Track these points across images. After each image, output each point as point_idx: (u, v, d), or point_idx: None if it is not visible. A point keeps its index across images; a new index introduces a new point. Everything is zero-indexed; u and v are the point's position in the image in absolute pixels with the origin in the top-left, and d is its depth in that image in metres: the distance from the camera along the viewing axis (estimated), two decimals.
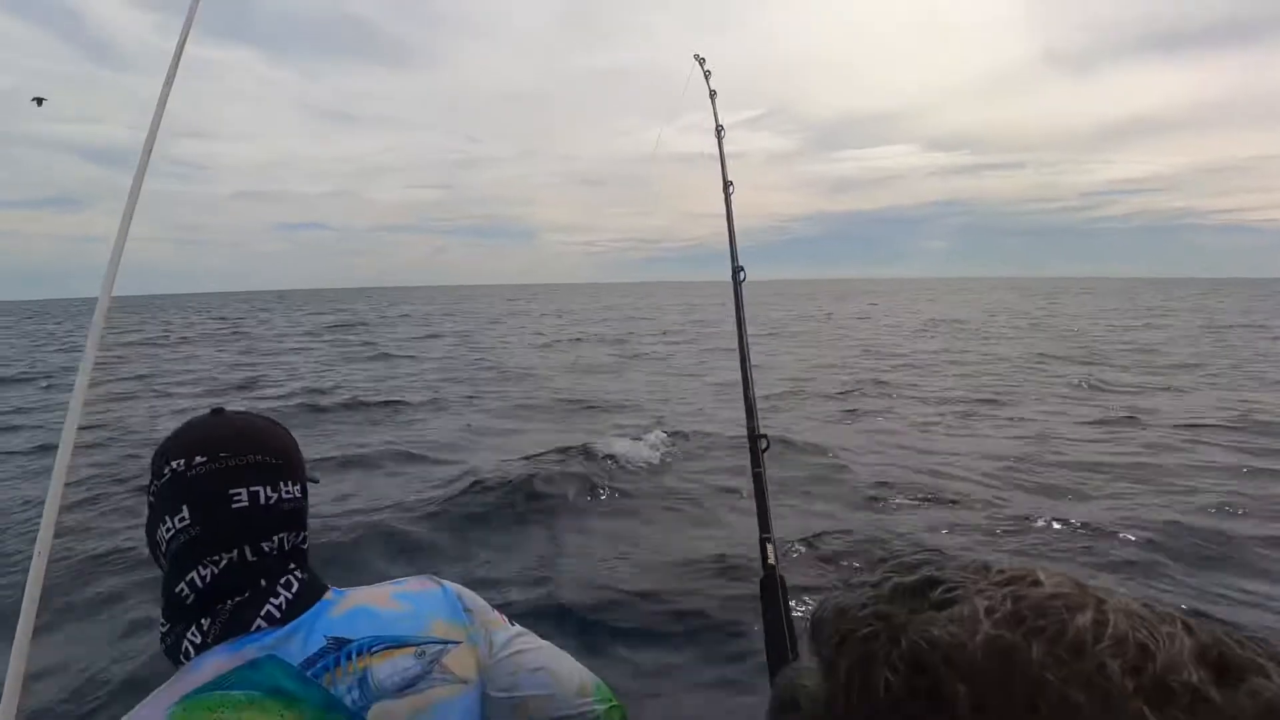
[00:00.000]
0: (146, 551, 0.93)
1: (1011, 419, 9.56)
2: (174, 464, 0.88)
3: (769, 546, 1.43)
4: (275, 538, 0.90)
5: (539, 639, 1.05)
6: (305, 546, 0.95)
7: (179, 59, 1.29)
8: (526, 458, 7.19)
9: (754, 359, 1.82)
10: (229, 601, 0.85)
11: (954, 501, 5.93)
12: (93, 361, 1.12)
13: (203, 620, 0.84)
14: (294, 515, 0.92)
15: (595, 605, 4.27)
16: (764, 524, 1.46)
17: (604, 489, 6.43)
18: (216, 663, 0.82)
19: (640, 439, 7.69)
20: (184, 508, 0.86)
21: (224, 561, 0.86)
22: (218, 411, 0.95)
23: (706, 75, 2.82)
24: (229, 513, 0.87)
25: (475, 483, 6.43)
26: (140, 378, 15.52)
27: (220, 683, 0.81)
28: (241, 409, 0.98)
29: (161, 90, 1.23)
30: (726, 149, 2.39)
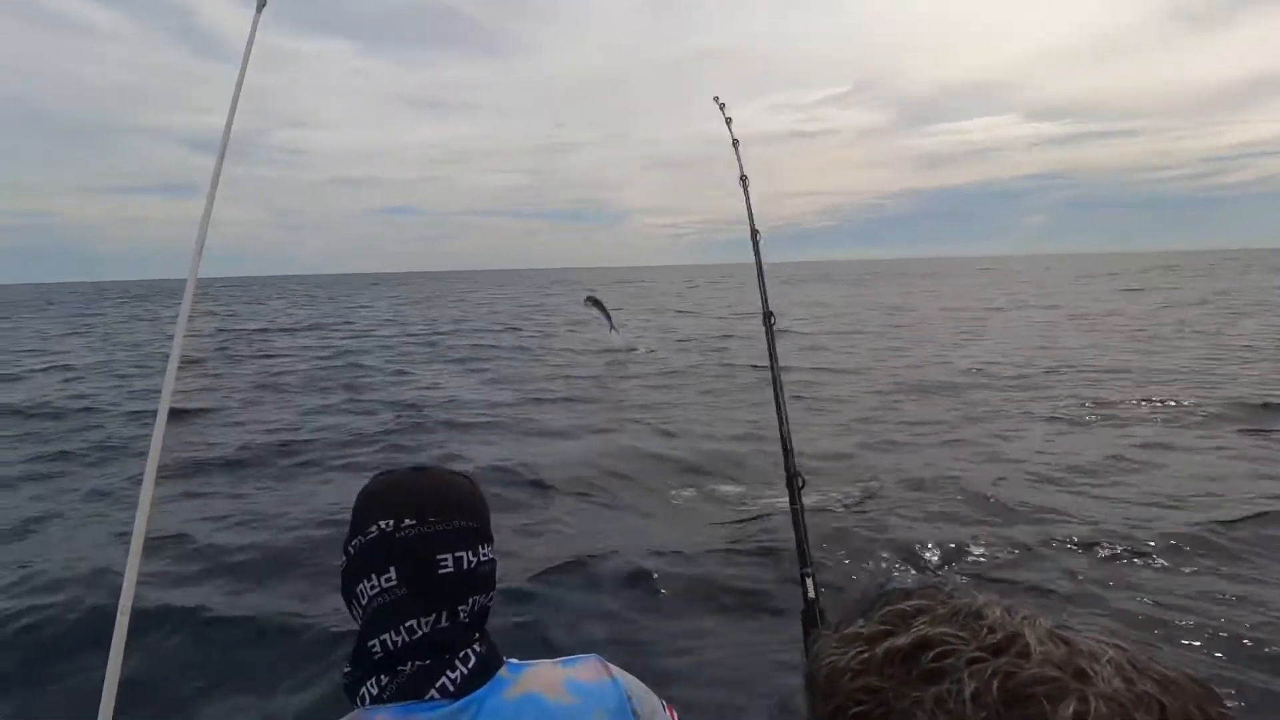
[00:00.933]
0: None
1: None
2: (381, 524, 0.90)
3: (808, 581, 1.45)
4: (470, 600, 0.92)
5: None
6: (491, 605, 0.97)
7: (249, 55, 1.36)
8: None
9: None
10: (411, 664, 0.87)
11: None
12: (181, 343, 1.19)
13: (382, 677, 0.87)
14: (488, 578, 0.94)
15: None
16: (803, 559, 1.49)
17: None
18: (390, 719, 0.85)
19: None
20: (391, 569, 0.88)
21: (418, 630, 0.88)
22: (420, 469, 0.97)
23: (728, 122, 2.89)
24: (435, 577, 0.89)
25: None
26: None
27: None
28: (438, 466, 1.01)
29: (235, 86, 1.30)
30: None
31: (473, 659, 0.89)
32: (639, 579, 4.50)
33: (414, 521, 0.89)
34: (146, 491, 1.12)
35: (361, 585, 0.90)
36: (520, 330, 23.27)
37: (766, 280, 2.29)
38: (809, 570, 1.47)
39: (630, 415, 9.70)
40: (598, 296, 16.25)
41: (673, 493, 6.33)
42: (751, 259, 2.46)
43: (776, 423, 1.80)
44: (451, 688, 0.86)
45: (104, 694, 1.01)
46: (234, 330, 24.90)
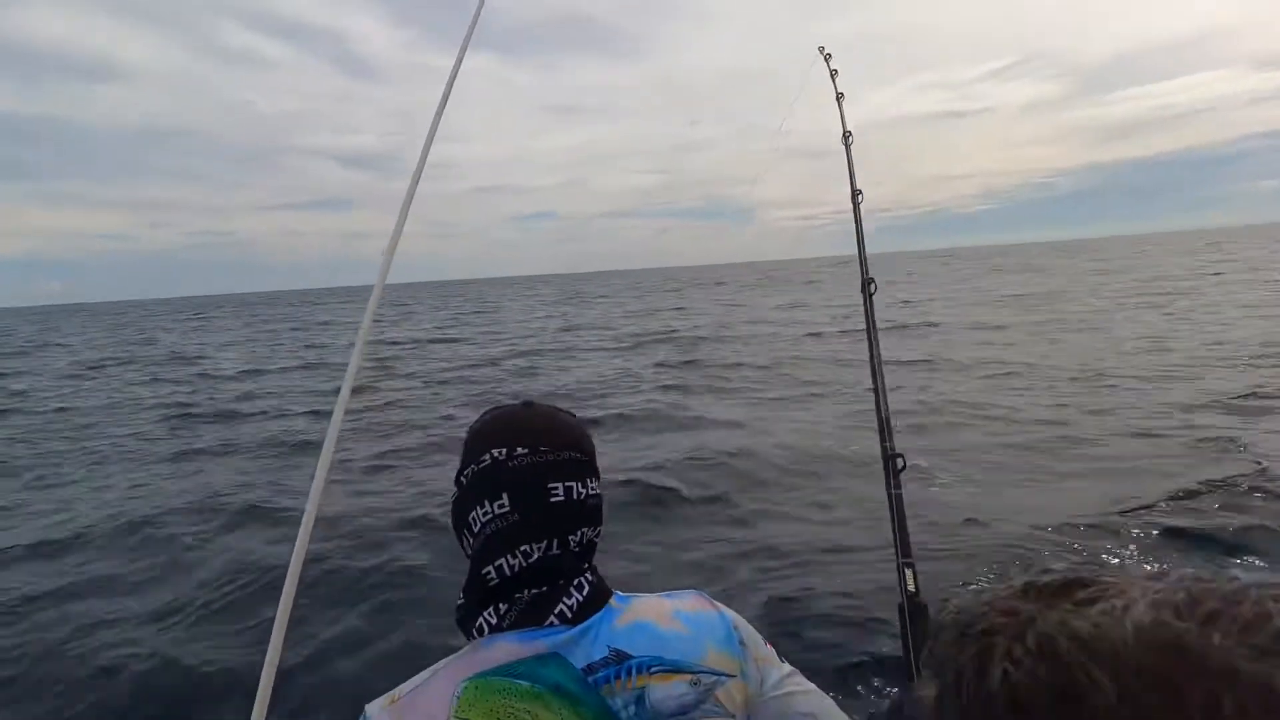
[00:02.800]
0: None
1: None
2: (495, 452, 0.92)
3: (908, 572, 1.36)
4: (579, 532, 0.94)
5: (808, 682, 1.02)
6: (599, 541, 0.99)
7: (455, 76, 1.41)
8: None
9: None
10: (528, 591, 0.90)
11: None
12: (362, 350, 1.25)
13: (500, 605, 0.90)
14: (596, 511, 0.97)
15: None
16: (903, 549, 1.39)
17: None
18: (509, 647, 0.87)
19: None
20: (504, 495, 0.91)
21: (534, 554, 0.90)
22: (529, 404, 1.00)
23: (833, 74, 2.61)
24: (546, 505, 0.91)
25: None
26: None
27: (510, 669, 0.86)
28: (546, 403, 1.02)
29: (439, 103, 1.37)
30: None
31: (586, 587, 0.92)
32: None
33: (526, 450, 0.92)
34: (321, 474, 1.14)
35: (474, 513, 0.92)
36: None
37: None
38: (909, 560, 1.37)
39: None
40: None
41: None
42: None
43: (876, 400, 1.68)
44: (569, 614, 0.89)
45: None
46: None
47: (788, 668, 1.01)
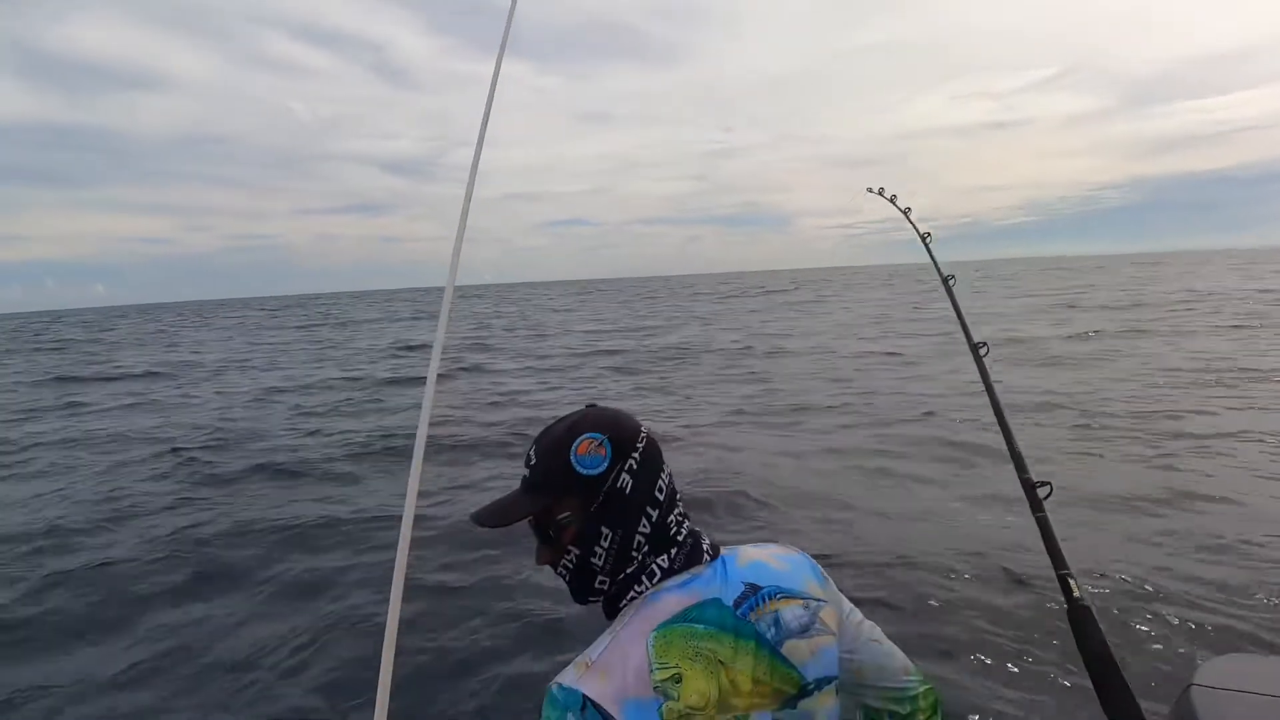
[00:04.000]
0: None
1: None
2: (643, 432, 1.08)
3: (1071, 581, 1.48)
4: None
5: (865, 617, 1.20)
6: None
7: (495, 82, 1.47)
8: None
9: None
10: (685, 537, 1.08)
11: None
12: (441, 349, 1.32)
13: (672, 550, 1.06)
14: None
15: None
16: (1059, 562, 1.52)
17: None
18: (674, 598, 1.02)
19: None
20: (664, 464, 1.09)
21: (677, 504, 1.10)
22: (592, 405, 1.12)
23: (906, 213, 2.86)
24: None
25: None
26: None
27: (685, 615, 1.00)
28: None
29: (485, 108, 1.42)
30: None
31: (706, 535, 1.11)
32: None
33: (645, 433, 1.08)
34: (413, 481, 1.23)
35: (660, 479, 1.07)
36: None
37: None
38: (1067, 571, 1.49)
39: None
40: None
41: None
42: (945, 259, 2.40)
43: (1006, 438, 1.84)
44: (711, 552, 1.08)
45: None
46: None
47: (850, 602, 1.19)
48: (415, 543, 1.22)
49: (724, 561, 1.08)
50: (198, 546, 6.17)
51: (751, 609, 1.03)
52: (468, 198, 1.40)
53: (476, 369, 17.87)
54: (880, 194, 2.87)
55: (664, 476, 1.08)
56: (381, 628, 1.14)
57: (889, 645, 1.19)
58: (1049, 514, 1.61)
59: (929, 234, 2.66)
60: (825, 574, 1.15)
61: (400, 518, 1.20)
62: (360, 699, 3.73)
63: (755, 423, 10.15)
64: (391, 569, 1.17)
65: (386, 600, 1.14)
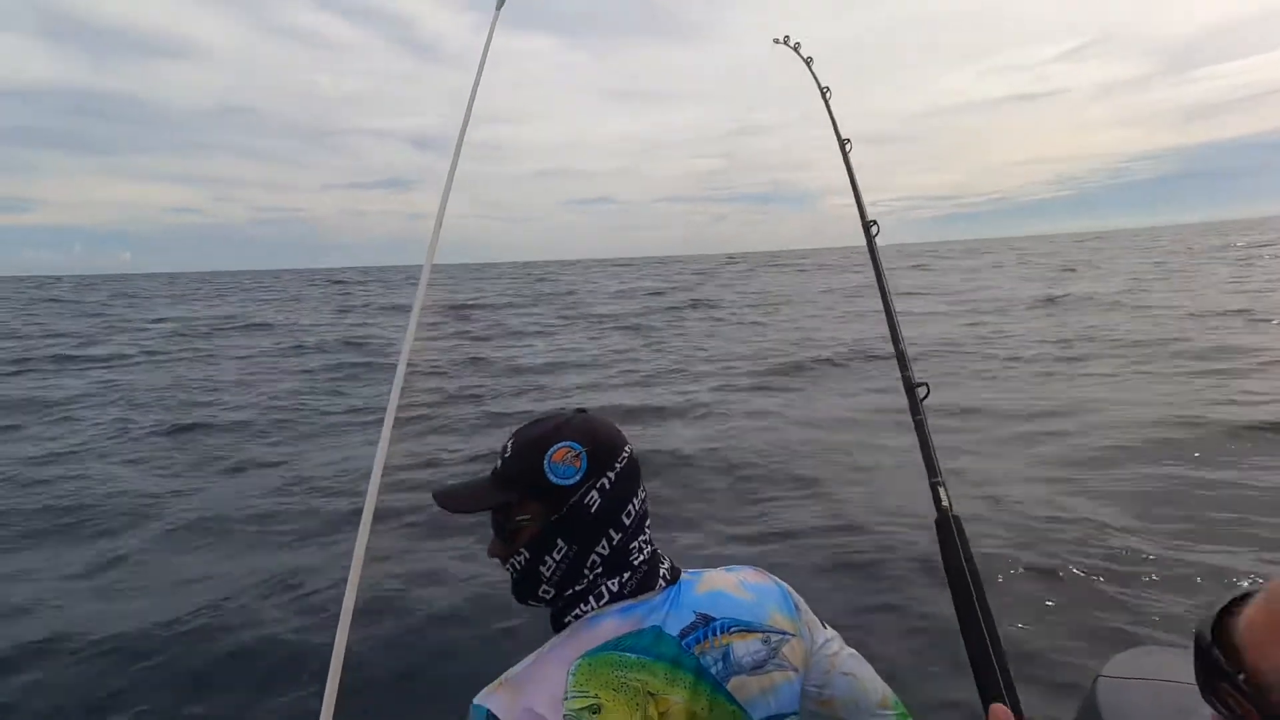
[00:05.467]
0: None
1: None
2: (625, 448, 1.05)
3: (941, 490, 1.44)
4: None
5: (845, 645, 1.15)
6: None
7: (485, 56, 1.44)
8: None
9: None
10: (642, 562, 1.03)
11: None
12: (416, 324, 1.31)
13: (624, 574, 1.02)
14: None
15: None
16: (932, 469, 1.49)
17: None
18: (612, 624, 0.98)
19: None
20: (640, 487, 1.05)
21: (644, 528, 1.06)
22: (584, 410, 1.09)
23: (808, 62, 2.79)
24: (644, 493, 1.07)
25: None
26: None
27: (617, 644, 0.96)
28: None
29: (473, 83, 1.39)
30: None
31: (667, 559, 1.08)
32: None
33: (628, 449, 1.05)
34: (381, 452, 1.22)
35: (630, 505, 1.03)
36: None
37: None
38: (939, 480, 1.44)
39: None
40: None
41: None
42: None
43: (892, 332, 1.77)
44: (668, 578, 1.04)
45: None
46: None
47: (830, 631, 1.15)
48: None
49: (680, 588, 1.05)
50: None
51: (698, 641, 0.99)
52: (450, 176, 1.37)
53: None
54: (785, 43, 2.80)
55: (636, 500, 1.04)
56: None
57: (866, 677, 1.13)
58: (926, 418, 1.56)
59: (828, 89, 2.59)
60: (799, 604, 1.12)
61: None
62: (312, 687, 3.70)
63: None
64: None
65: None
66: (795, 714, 1.05)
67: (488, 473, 1.07)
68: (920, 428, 1.56)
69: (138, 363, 17.08)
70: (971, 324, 17.67)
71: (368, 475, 1.26)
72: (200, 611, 4.57)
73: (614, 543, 1.02)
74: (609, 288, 40.68)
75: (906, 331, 1.65)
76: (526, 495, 1.01)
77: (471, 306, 30.44)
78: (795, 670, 1.05)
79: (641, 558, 1.03)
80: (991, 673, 1.09)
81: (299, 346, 19.15)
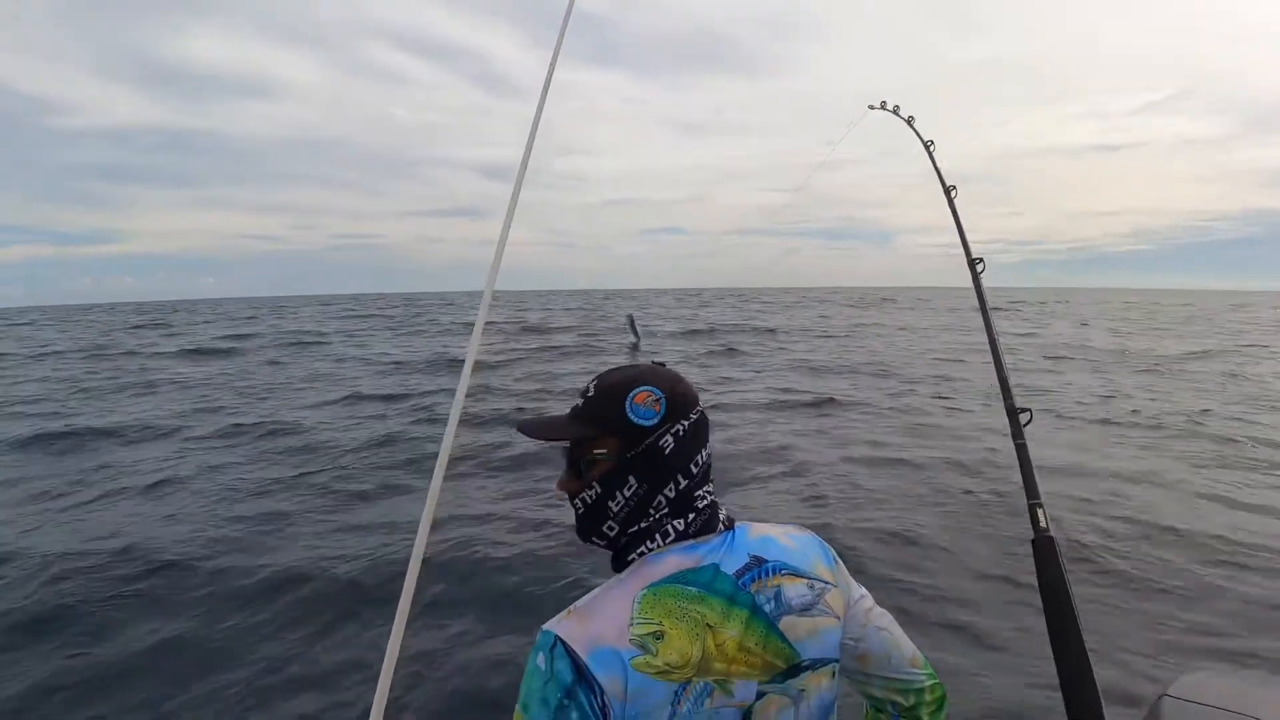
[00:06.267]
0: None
1: None
2: (698, 407, 1.12)
3: (1039, 512, 1.48)
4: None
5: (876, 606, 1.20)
6: None
7: (548, 87, 1.49)
8: None
9: None
10: (704, 508, 1.09)
11: None
12: (478, 346, 1.36)
13: (689, 514, 1.07)
14: None
15: None
16: (1031, 491, 1.53)
17: None
18: (677, 559, 1.04)
19: None
20: (707, 443, 1.12)
21: (707, 481, 1.12)
22: (661, 363, 1.15)
23: (910, 122, 2.83)
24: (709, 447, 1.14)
25: None
26: None
27: (679, 577, 1.02)
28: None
29: (534, 115, 1.44)
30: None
31: (724, 508, 1.13)
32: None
33: (699, 407, 1.12)
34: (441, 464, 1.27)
35: (699, 455, 1.10)
36: None
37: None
38: (1038, 501, 1.50)
39: None
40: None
41: None
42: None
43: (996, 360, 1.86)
44: (725, 525, 1.10)
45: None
46: None
47: (863, 588, 1.19)
48: None
49: (735, 532, 1.10)
50: None
51: (753, 580, 1.05)
52: (512, 204, 1.41)
53: None
54: (883, 108, 2.83)
55: (704, 453, 1.11)
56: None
57: (898, 635, 1.18)
58: (1028, 442, 1.64)
59: (932, 142, 2.65)
60: (836, 558, 1.17)
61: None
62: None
63: None
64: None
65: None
66: (836, 661, 1.09)
67: (567, 411, 1.13)
68: (1021, 451, 1.62)
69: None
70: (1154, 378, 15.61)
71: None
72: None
73: (680, 487, 1.08)
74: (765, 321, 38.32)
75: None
76: (606, 431, 1.08)
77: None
78: (836, 618, 1.10)
79: (705, 503, 1.09)
80: (1085, 696, 1.08)
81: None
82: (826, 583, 1.11)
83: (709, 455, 1.12)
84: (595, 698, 0.92)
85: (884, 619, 1.17)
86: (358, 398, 13.99)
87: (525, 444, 9.14)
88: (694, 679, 0.97)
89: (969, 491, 6.99)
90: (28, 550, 5.79)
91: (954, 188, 2.46)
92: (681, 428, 1.08)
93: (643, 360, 1.20)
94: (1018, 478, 1.58)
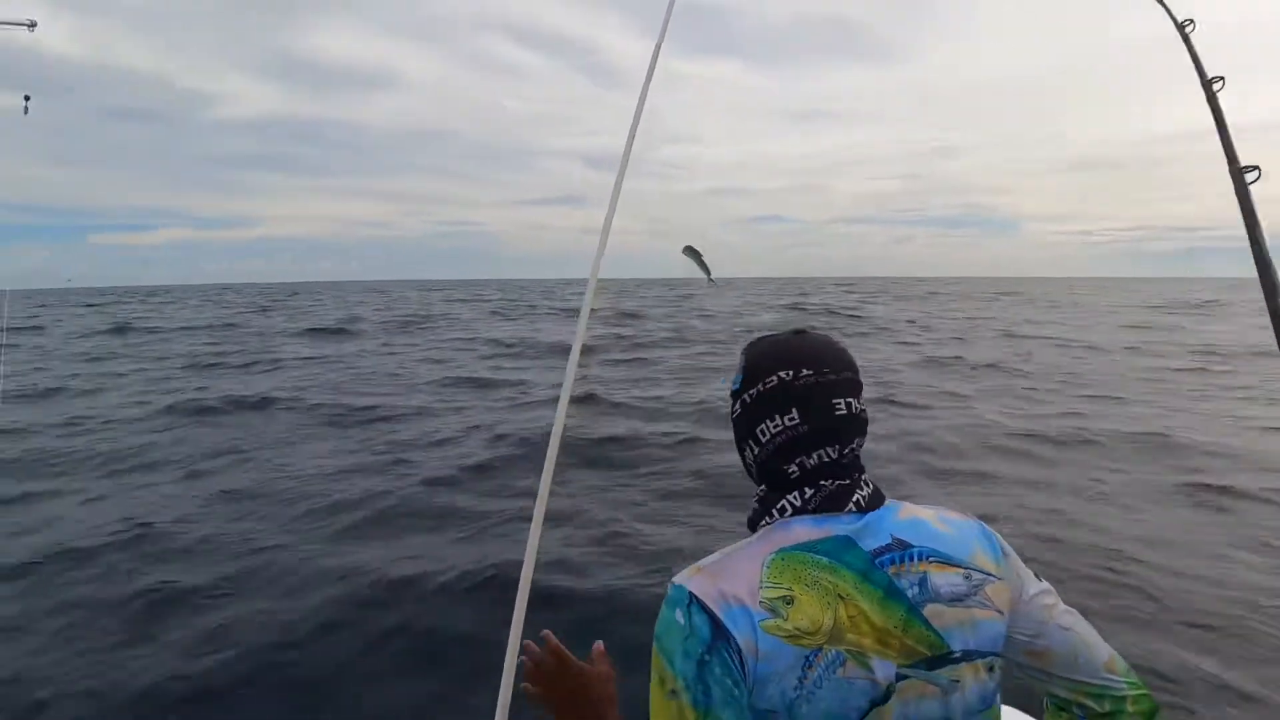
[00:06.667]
0: None
1: None
2: (781, 374, 1.06)
3: None
4: (855, 441, 1.08)
5: (1062, 603, 1.10)
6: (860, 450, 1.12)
7: (651, 75, 1.49)
8: None
9: None
10: (832, 481, 1.04)
11: None
12: (583, 335, 1.37)
13: (806, 490, 1.04)
14: (866, 425, 1.10)
15: None
16: None
17: None
18: (806, 529, 1.01)
19: None
20: (793, 409, 1.05)
21: (827, 457, 1.05)
22: (800, 332, 1.12)
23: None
24: (832, 417, 1.05)
25: None
26: None
27: (810, 546, 0.99)
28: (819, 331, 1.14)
29: (637, 105, 1.44)
30: None
31: (870, 485, 1.06)
32: None
33: (811, 372, 1.05)
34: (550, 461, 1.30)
35: (764, 425, 1.06)
36: None
37: None
38: None
39: None
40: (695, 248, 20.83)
41: None
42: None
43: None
44: (862, 504, 1.03)
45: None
46: None
47: (1045, 584, 1.10)
48: None
49: (881, 513, 1.04)
50: None
51: (893, 563, 1.00)
52: (615, 193, 1.42)
53: None
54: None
55: (773, 424, 1.05)
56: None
57: (1088, 635, 1.08)
58: None
59: (1190, 21, 2.17)
60: (1006, 548, 1.09)
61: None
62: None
63: None
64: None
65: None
66: (996, 656, 1.03)
67: None
68: None
69: None
70: None
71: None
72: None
73: (755, 454, 1.08)
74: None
75: None
76: (730, 393, 1.13)
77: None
78: (1000, 612, 1.02)
79: (819, 479, 1.04)
80: None
81: None
82: (988, 574, 1.03)
83: (794, 426, 1.04)
84: (734, 654, 0.92)
85: (1068, 617, 1.08)
86: (466, 382, 14.51)
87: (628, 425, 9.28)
88: (825, 647, 0.94)
89: None
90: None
91: (1220, 79, 2.01)
92: (748, 397, 1.08)
93: (780, 327, 1.19)
94: None
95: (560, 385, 1.35)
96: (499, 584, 4.85)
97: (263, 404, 12.15)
